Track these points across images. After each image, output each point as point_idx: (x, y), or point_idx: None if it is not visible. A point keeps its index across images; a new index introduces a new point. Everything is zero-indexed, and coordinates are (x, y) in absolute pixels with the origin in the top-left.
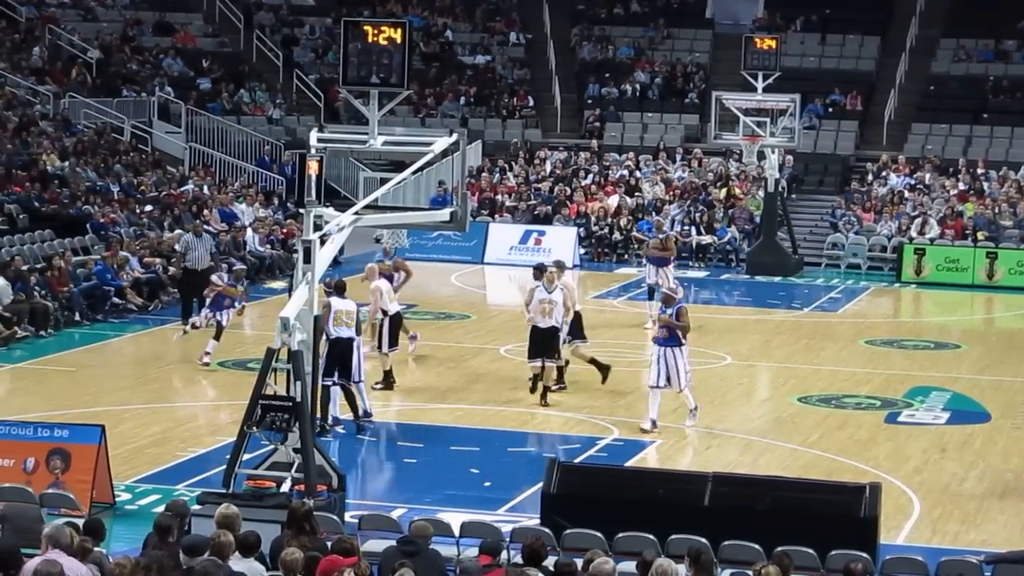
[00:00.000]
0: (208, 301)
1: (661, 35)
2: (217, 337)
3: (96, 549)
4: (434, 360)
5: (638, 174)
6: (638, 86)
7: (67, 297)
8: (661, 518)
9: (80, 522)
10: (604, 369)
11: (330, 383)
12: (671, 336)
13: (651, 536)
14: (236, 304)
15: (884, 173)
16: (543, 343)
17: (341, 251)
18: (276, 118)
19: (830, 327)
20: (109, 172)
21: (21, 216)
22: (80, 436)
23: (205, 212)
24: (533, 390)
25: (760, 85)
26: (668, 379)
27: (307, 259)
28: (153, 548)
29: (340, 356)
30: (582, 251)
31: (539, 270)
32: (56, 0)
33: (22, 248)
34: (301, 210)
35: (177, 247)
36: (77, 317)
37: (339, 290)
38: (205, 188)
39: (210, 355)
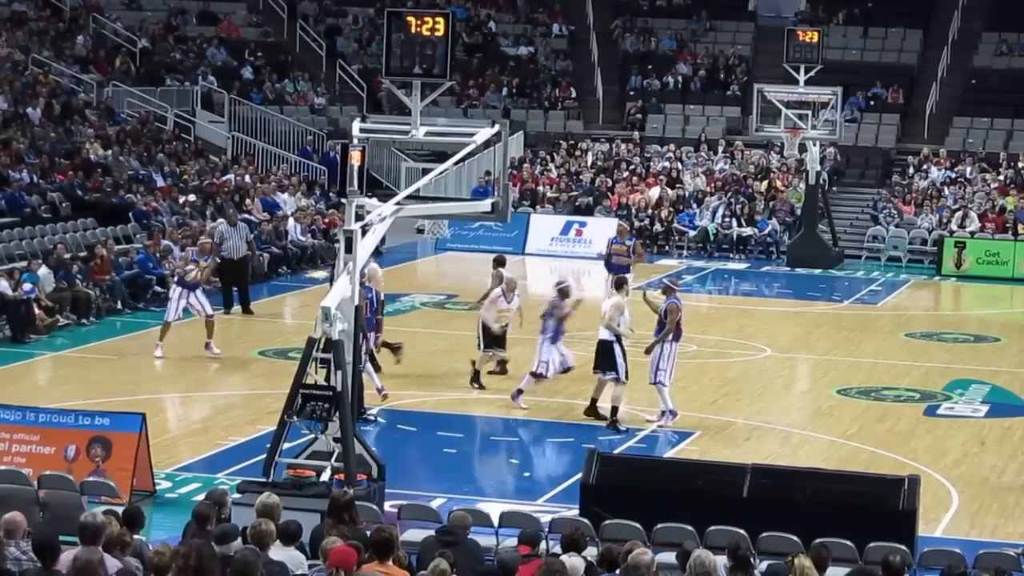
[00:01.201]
0: (175, 281)
1: (704, 27)
2: (170, 325)
3: (136, 537)
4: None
5: (679, 166)
6: (680, 78)
7: (109, 285)
8: (700, 509)
9: (120, 511)
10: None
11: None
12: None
13: (690, 527)
14: (199, 289)
15: (925, 166)
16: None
17: (383, 241)
18: (319, 107)
19: (870, 320)
20: (152, 161)
21: (64, 204)
22: (121, 424)
23: (247, 201)
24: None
25: (802, 78)
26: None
27: (348, 249)
28: (192, 536)
29: None
30: None
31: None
32: None
33: (64, 236)
34: (343, 200)
35: (213, 238)
36: (119, 305)
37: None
38: (247, 177)
39: (161, 347)
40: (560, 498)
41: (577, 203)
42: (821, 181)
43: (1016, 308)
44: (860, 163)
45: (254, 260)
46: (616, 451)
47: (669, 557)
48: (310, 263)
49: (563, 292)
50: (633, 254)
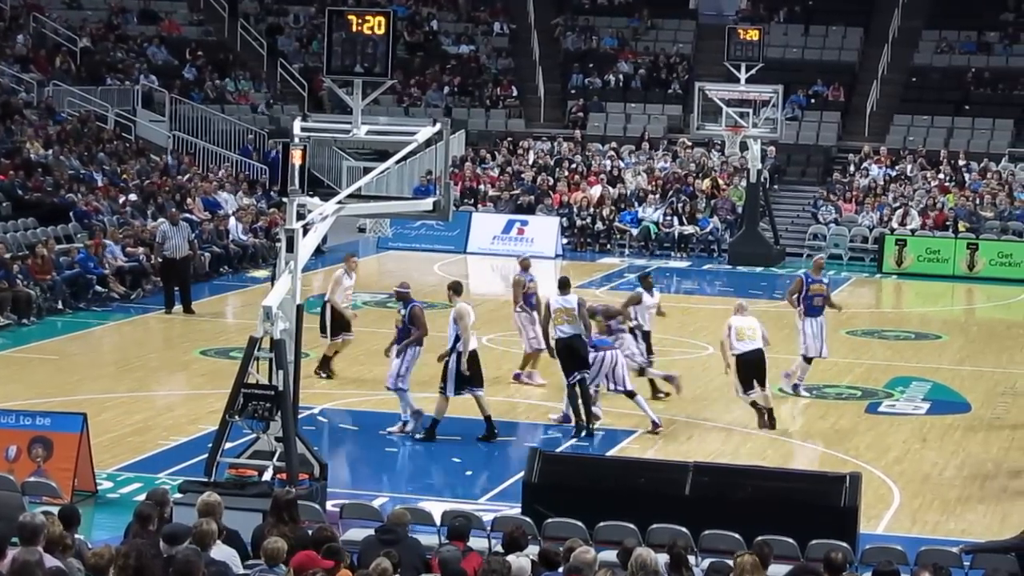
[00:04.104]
0: None
1: (645, 25)
2: None
3: (77, 537)
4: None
5: (621, 164)
6: (621, 76)
7: (50, 285)
8: (642, 507)
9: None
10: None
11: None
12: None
13: (632, 525)
14: None
15: (866, 164)
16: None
17: (324, 240)
18: (260, 107)
19: None
20: (93, 160)
21: (4, 204)
22: (62, 424)
23: (188, 201)
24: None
25: (743, 76)
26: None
27: (290, 248)
28: (134, 537)
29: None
30: (564, 241)
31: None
32: None
33: (5, 236)
34: (284, 199)
35: (156, 237)
36: (60, 305)
37: (562, 287)
38: (187, 175)
39: None
40: (502, 497)
41: (519, 202)
42: (762, 179)
43: (957, 305)
44: (801, 161)
45: (196, 259)
46: (558, 450)
47: (611, 555)
48: (251, 262)
49: (525, 264)
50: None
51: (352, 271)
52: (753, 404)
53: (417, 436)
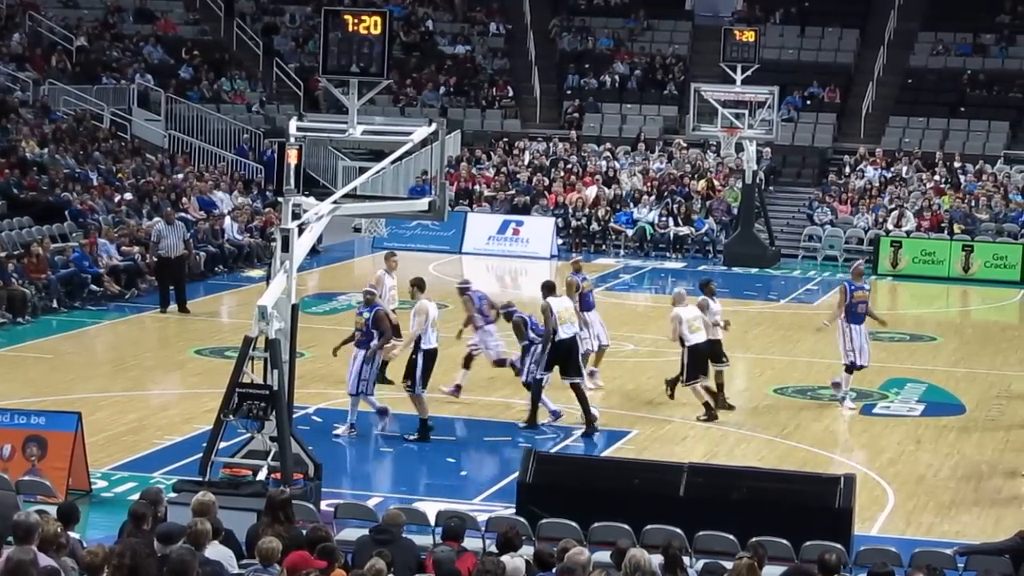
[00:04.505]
0: None
1: (641, 26)
2: None
3: (72, 536)
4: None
5: (616, 165)
6: (617, 77)
7: (45, 284)
8: (637, 508)
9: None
10: None
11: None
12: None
13: (626, 526)
14: None
15: (861, 166)
16: None
17: (320, 240)
18: (255, 106)
19: (807, 319)
20: (88, 159)
21: (0, 202)
22: (57, 423)
23: (184, 200)
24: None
25: (739, 77)
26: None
27: (285, 248)
28: (128, 536)
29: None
30: (560, 241)
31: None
32: None
33: (0, 235)
34: (280, 198)
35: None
36: (55, 304)
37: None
38: (181, 175)
39: None
40: (497, 497)
41: (514, 202)
42: (758, 180)
43: (952, 307)
44: (797, 162)
45: (191, 259)
46: (553, 450)
47: (605, 556)
48: (247, 262)
49: (577, 267)
50: None
51: (392, 270)
52: (707, 389)
53: (409, 438)
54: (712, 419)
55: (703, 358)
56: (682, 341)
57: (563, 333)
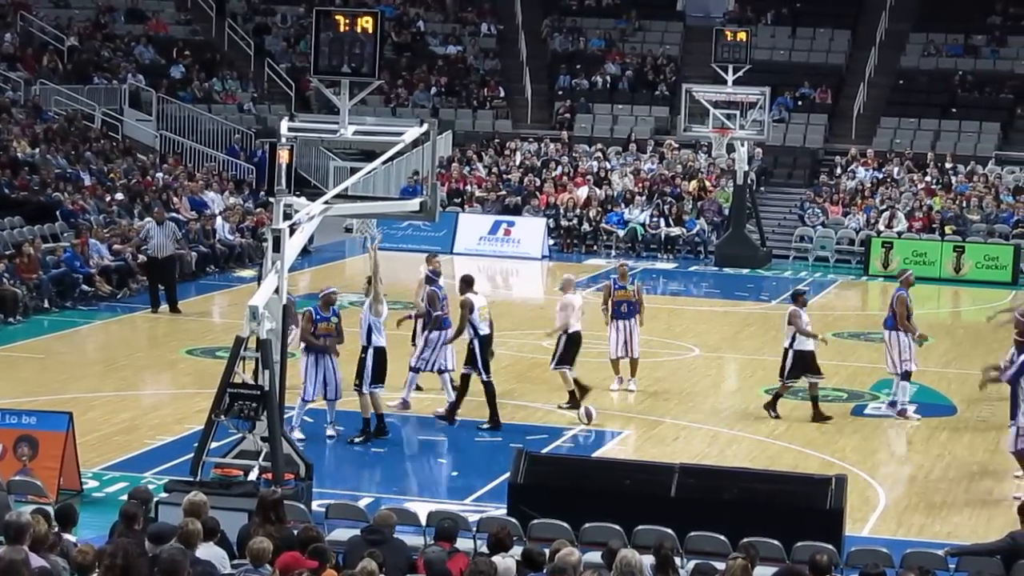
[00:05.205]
0: None
1: (632, 27)
2: None
3: (66, 536)
4: (402, 350)
5: (608, 166)
6: (609, 78)
7: (36, 284)
8: (628, 509)
9: (50, 509)
10: None
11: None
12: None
13: (617, 527)
14: None
15: (852, 166)
16: None
17: (311, 240)
18: (247, 107)
19: None
20: (79, 159)
21: None
22: (48, 423)
23: (175, 200)
24: None
25: (730, 78)
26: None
27: (276, 248)
28: (119, 536)
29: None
30: (551, 242)
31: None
32: None
33: None
34: (271, 199)
35: (140, 235)
36: (46, 304)
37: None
38: (171, 176)
39: None
40: (488, 497)
41: (505, 202)
42: (749, 181)
43: (943, 308)
44: (788, 163)
45: (182, 259)
46: (544, 451)
47: (596, 556)
48: (238, 262)
49: (623, 271)
50: None
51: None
52: (576, 381)
53: (356, 440)
54: (576, 407)
55: (578, 346)
56: (566, 329)
57: (483, 330)
